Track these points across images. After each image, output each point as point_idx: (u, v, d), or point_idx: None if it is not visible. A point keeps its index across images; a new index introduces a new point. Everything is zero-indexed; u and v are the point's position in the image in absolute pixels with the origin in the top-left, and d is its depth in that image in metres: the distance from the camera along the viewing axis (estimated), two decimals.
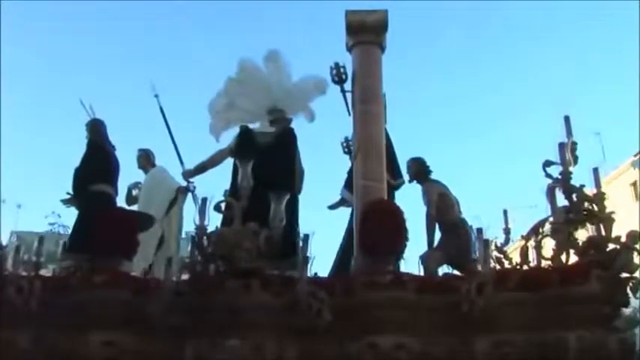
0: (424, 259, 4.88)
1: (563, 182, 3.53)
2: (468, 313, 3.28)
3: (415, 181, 5.36)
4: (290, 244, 3.79)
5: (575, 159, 3.68)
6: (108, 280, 3.55)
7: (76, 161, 5.09)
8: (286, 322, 3.40)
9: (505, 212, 4.67)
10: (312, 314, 3.32)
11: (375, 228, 3.50)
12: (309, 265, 3.53)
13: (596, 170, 3.74)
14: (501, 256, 3.93)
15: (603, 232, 3.43)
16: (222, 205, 3.93)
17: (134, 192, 5.54)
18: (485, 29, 37.27)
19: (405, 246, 3.62)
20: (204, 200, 3.71)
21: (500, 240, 4.37)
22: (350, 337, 3.37)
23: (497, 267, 3.64)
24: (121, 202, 5.30)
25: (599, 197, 3.57)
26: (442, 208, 5.14)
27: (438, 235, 5.19)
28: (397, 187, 5.17)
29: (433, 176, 5.38)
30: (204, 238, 3.61)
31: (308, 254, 3.52)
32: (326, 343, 3.40)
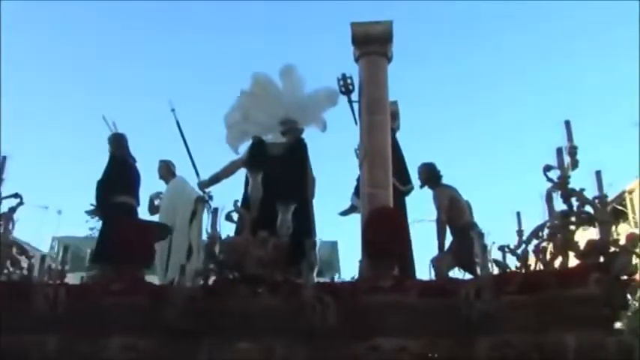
0: (435, 263, 4.98)
1: (562, 186, 3.58)
2: (468, 316, 3.37)
3: (426, 186, 5.44)
4: (302, 251, 3.93)
5: (576, 163, 3.72)
6: (125, 287, 3.77)
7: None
8: (294, 325, 3.53)
9: (518, 214, 4.72)
10: (318, 317, 3.46)
11: (377, 233, 3.62)
12: (315, 271, 3.70)
13: (598, 173, 3.78)
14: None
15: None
16: (233, 215, 4.11)
17: (156, 202, 5.77)
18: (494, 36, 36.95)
19: (409, 250, 3.73)
20: (216, 210, 3.90)
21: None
22: (354, 339, 3.49)
23: (498, 270, 3.70)
24: (143, 211, 5.56)
25: (600, 200, 3.61)
26: (453, 213, 5.21)
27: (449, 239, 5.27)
28: (407, 193, 5.27)
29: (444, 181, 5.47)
30: (216, 246, 3.81)
31: (314, 260, 3.68)
32: (332, 345, 3.52)
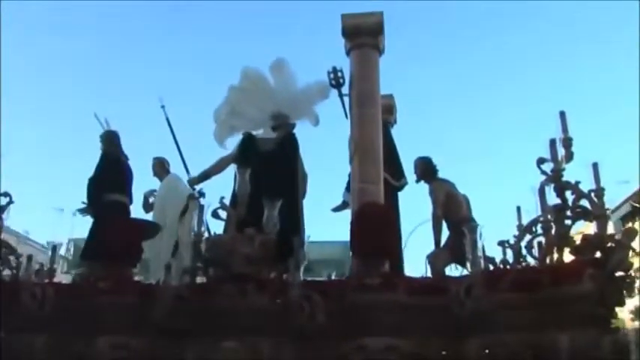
0: (431, 259, 4.88)
1: (555, 179, 3.47)
2: (459, 315, 3.28)
3: (422, 181, 5.33)
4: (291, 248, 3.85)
5: (571, 155, 3.60)
6: (113, 286, 3.72)
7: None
8: (281, 324, 3.46)
9: (518, 209, 4.62)
10: (306, 316, 3.39)
11: (363, 230, 3.53)
12: (302, 268, 3.63)
13: (595, 166, 3.65)
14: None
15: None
16: (220, 212, 4.04)
17: (150, 199, 5.72)
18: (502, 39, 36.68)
19: (398, 246, 3.63)
20: (202, 207, 3.84)
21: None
22: (343, 339, 3.41)
23: (491, 267, 3.60)
24: (137, 209, 5.51)
25: (597, 194, 3.49)
26: (449, 207, 5.10)
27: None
28: (400, 189, 5.17)
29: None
30: (202, 244, 3.75)
31: (301, 258, 3.61)
32: (320, 344, 3.45)
